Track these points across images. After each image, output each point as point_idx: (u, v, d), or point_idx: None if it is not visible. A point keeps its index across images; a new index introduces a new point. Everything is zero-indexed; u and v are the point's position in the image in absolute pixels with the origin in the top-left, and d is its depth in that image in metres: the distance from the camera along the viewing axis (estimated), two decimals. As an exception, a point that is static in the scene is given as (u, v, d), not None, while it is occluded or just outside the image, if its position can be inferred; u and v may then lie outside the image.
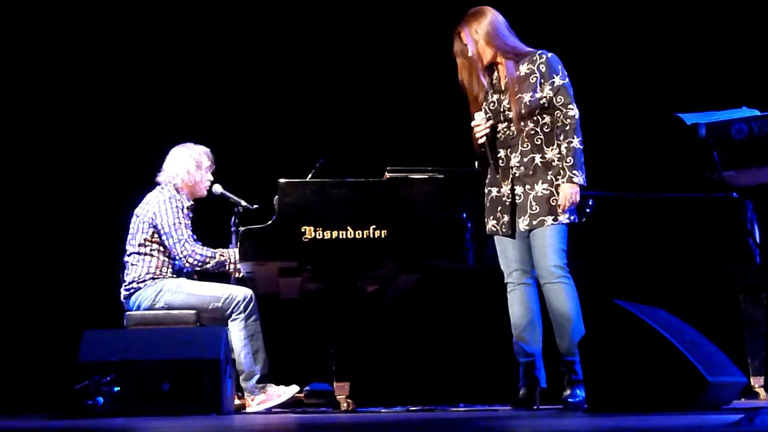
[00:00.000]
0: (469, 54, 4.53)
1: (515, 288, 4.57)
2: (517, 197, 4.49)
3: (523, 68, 4.51)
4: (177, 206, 5.15)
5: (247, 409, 4.98)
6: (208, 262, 5.10)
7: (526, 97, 4.47)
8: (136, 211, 5.19)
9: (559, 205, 4.40)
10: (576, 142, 4.41)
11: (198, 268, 5.14)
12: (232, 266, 5.13)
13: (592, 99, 4.54)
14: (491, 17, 4.53)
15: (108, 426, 3.50)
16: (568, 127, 4.43)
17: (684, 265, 5.35)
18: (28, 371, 6.47)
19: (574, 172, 4.39)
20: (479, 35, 4.51)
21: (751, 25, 6.81)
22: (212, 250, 5.12)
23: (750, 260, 5.34)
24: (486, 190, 4.62)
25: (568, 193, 4.39)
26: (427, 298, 6.33)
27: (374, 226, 4.75)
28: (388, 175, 4.90)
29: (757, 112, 4.55)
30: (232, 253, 5.14)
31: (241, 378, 5.01)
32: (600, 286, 5.13)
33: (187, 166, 5.29)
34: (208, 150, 5.39)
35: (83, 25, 6.93)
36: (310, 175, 5.03)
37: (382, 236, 4.74)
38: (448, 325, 6.89)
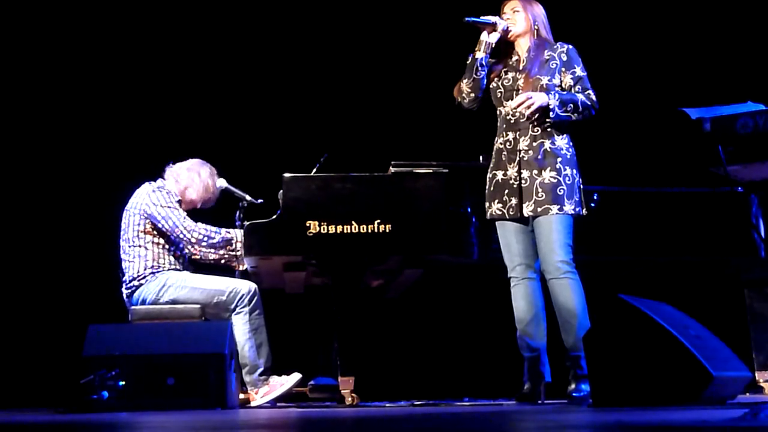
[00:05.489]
0: (510, 19, 4.59)
1: (519, 282, 4.57)
2: (523, 181, 4.48)
3: (545, 54, 4.57)
4: (168, 192, 5.15)
5: (252, 403, 4.98)
6: (214, 237, 5.07)
7: (544, 80, 4.51)
8: (126, 206, 5.18)
9: (519, 102, 4.42)
10: (582, 108, 4.44)
11: (204, 244, 5.08)
12: (239, 245, 5.09)
13: (598, 93, 4.54)
14: (542, 8, 4.69)
15: (113, 420, 3.51)
16: (586, 98, 4.47)
17: (689, 259, 5.35)
18: (33, 366, 6.48)
19: (559, 102, 4.40)
20: (529, 11, 4.61)
21: (756, 19, 6.79)
22: (217, 228, 5.12)
23: (755, 255, 5.33)
24: (489, 174, 4.60)
25: (537, 98, 4.39)
26: (431, 292, 6.34)
27: (379, 221, 4.75)
28: (392, 169, 4.91)
29: (762, 107, 4.54)
30: (239, 233, 5.09)
31: (244, 371, 5.01)
32: (605, 281, 5.12)
33: (202, 186, 5.27)
34: (217, 186, 5.35)
35: (80, 21, 6.92)
36: (314, 170, 5.04)
37: (387, 231, 4.74)
38: (452, 320, 6.89)
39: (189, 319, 4.93)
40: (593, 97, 4.51)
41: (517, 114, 4.51)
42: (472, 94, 4.59)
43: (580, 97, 4.47)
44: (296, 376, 5.06)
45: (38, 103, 6.92)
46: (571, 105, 4.44)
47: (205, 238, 5.07)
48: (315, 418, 3.52)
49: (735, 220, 5.31)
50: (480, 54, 4.56)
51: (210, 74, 7.01)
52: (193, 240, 5.06)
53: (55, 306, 6.65)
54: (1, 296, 6.67)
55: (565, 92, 4.49)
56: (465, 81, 4.60)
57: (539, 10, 4.65)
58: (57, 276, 6.71)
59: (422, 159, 4.94)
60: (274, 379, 5.01)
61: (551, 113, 4.41)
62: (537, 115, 4.44)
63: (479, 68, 4.56)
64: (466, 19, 4.53)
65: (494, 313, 5.37)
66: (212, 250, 5.12)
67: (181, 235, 5.06)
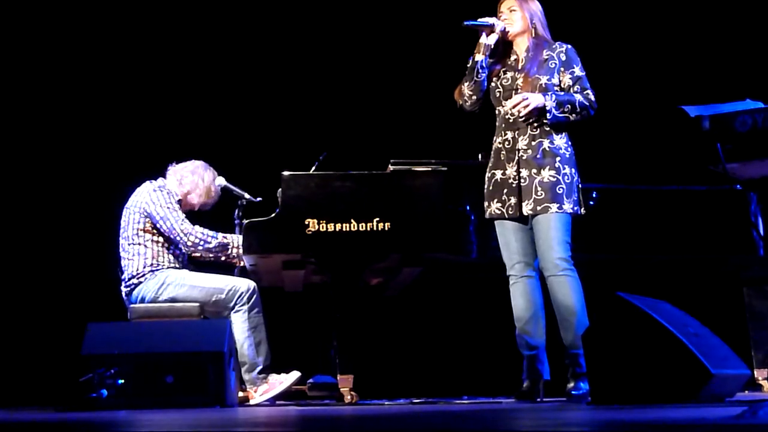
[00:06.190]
0: (507, 19, 4.59)
1: (518, 281, 4.57)
2: (522, 180, 4.48)
3: (544, 53, 4.57)
4: (168, 192, 5.16)
5: (251, 401, 4.98)
6: (210, 242, 5.09)
7: (543, 80, 4.51)
8: (127, 204, 5.18)
9: (515, 103, 4.43)
10: (579, 109, 4.45)
11: (200, 248, 5.10)
12: (235, 250, 5.10)
13: (596, 91, 4.54)
14: (539, 5, 4.68)
15: (112, 419, 3.51)
16: (584, 98, 4.47)
17: (688, 257, 5.35)
18: (33, 364, 6.48)
19: (556, 104, 4.41)
20: (526, 8, 4.61)
21: (755, 17, 6.79)
22: (214, 232, 5.13)
23: (754, 253, 5.33)
24: (488, 174, 4.61)
25: (533, 100, 4.40)
26: (430, 290, 6.33)
27: (378, 219, 4.75)
28: (391, 167, 4.91)
29: (761, 105, 4.54)
30: (235, 238, 5.13)
31: (243, 369, 5.02)
32: (604, 279, 5.12)
33: (205, 191, 5.28)
34: (218, 191, 5.35)
35: (81, 21, 6.91)
36: (313, 168, 5.04)
37: (386, 229, 4.74)
38: (451, 318, 6.89)
39: (188, 318, 4.94)
40: (591, 97, 4.51)
41: (515, 113, 4.52)
42: (474, 97, 4.60)
43: (578, 97, 4.48)
44: (295, 374, 5.06)
45: (39, 103, 6.91)
46: (569, 106, 4.45)
47: (202, 242, 5.08)
48: (314, 417, 3.52)
49: (734, 218, 5.31)
50: (479, 56, 4.57)
51: (210, 74, 7.00)
52: (189, 243, 5.08)
53: (55, 305, 6.64)
54: (1, 295, 6.66)
55: (563, 93, 4.49)
56: (466, 84, 4.60)
57: (536, 7, 4.65)
58: (56, 275, 6.70)
59: (421, 157, 4.94)
60: (273, 377, 5.01)
61: (548, 115, 4.42)
62: (533, 117, 4.44)
63: (479, 71, 4.56)
64: (465, 23, 4.54)
65: (493, 312, 5.36)
66: (209, 254, 5.14)
67: (178, 238, 5.07)
